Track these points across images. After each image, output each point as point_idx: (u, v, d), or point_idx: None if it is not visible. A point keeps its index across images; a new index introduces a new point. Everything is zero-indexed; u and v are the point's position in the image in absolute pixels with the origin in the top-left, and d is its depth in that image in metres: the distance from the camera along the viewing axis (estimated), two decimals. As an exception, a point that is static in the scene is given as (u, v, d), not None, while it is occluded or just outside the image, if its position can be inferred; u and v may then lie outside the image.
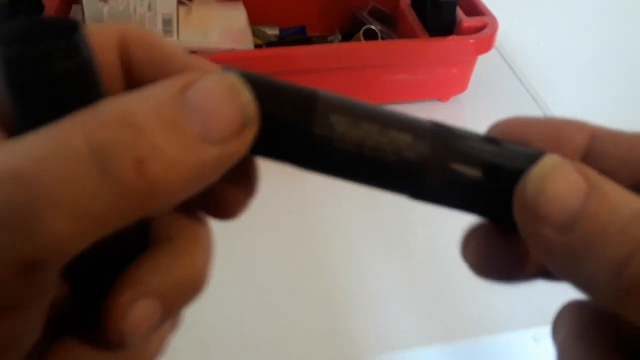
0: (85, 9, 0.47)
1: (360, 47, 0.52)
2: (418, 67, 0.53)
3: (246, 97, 0.12)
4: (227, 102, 0.12)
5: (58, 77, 0.11)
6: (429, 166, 0.14)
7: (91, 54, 0.12)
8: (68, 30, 0.11)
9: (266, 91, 0.13)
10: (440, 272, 0.41)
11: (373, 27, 0.56)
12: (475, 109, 0.56)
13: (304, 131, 0.13)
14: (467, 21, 0.53)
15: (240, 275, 0.39)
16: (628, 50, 0.73)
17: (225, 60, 0.48)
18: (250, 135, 0.12)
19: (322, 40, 0.60)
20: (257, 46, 0.56)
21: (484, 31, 0.52)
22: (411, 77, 0.54)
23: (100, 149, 0.10)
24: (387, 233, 0.43)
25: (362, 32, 0.56)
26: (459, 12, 0.54)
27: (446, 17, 0.52)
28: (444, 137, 0.14)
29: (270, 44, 0.58)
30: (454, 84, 0.56)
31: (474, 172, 0.14)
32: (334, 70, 0.51)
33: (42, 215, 0.10)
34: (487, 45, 0.52)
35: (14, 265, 0.10)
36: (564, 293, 0.43)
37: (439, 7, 0.52)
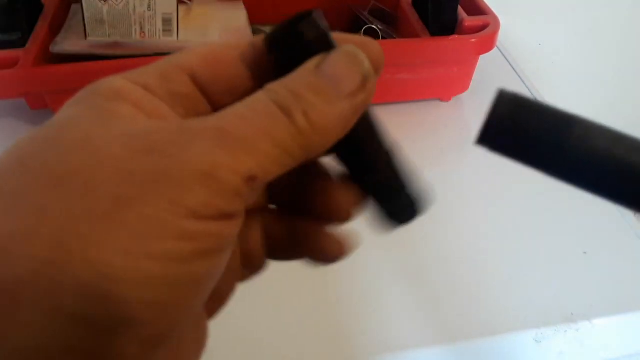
0: (85, 7, 0.47)
1: (361, 47, 0.52)
2: (419, 66, 0.53)
3: (362, 58, 0.16)
4: (348, 66, 0.16)
5: (309, 42, 0.16)
6: None
7: (326, 25, 0.17)
8: (308, 15, 0.16)
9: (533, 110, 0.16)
10: (441, 273, 0.41)
11: (373, 26, 0.56)
12: (476, 108, 0.56)
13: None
14: (468, 20, 0.53)
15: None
16: (630, 49, 0.73)
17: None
18: (371, 86, 0.17)
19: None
20: (257, 45, 0.55)
21: (486, 30, 0.52)
22: (412, 77, 0.54)
23: (282, 105, 0.15)
24: (388, 234, 0.43)
25: (362, 31, 0.55)
26: (460, 11, 0.54)
27: (447, 16, 0.52)
28: None
29: (271, 44, 0.58)
30: (455, 84, 0.56)
31: None
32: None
33: (260, 140, 0.15)
34: (488, 44, 0.52)
35: (245, 175, 0.14)
36: (565, 295, 0.43)
37: (440, 6, 0.52)
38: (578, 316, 0.38)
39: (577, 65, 0.69)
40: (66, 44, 0.49)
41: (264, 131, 0.15)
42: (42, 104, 0.51)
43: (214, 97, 0.18)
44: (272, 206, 0.21)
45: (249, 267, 0.21)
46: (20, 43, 0.49)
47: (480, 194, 0.47)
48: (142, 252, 0.13)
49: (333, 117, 0.16)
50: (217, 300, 0.20)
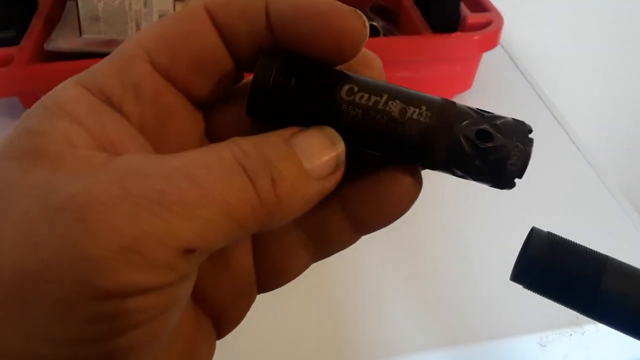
0: (80, 4, 0.47)
1: (361, 44, 0.52)
2: (421, 64, 0.53)
3: (340, 146, 0.15)
4: (325, 149, 0.15)
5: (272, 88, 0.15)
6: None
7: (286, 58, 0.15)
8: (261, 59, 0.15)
9: None
10: (445, 276, 0.40)
11: (375, 24, 0.55)
12: (479, 106, 0.55)
13: None
14: (471, 17, 0.52)
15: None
16: (634, 47, 0.72)
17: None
18: (340, 175, 0.15)
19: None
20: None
21: (489, 27, 0.51)
22: (414, 75, 0.53)
23: (248, 169, 0.13)
24: (392, 236, 0.42)
25: (363, 28, 0.55)
26: (463, 8, 0.53)
27: (450, 13, 0.52)
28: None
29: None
30: (457, 82, 0.55)
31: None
32: (334, 68, 0.50)
33: (205, 209, 0.13)
34: (491, 41, 0.51)
35: (180, 248, 0.12)
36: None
37: (443, 2, 0.51)
38: (583, 320, 0.37)
39: (581, 62, 0.69)
40: (61, 41, 0.49)
41: (216, 196, 0.13)
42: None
43: (183, 81, 0.15)
44: None
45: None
46: (15, 41, 0.48)
47: (483, 195, 0.46)
48: (42, 336, 0.12)
49: (300, 193, 0.14)
50: (223, 324, 0.18)
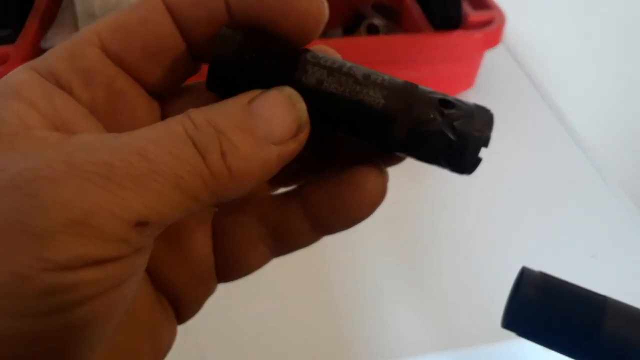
0: (76, 2, 0.46)
1: (362, 42, 0.51)
2: (422, 62, 0.52)
3: (300, 106, 0.15)
4: (285, 110, 0.14)
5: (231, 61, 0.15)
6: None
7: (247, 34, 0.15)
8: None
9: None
10: (447, 279, 0.40)
11: (375, 22, 0.55)
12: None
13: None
14: (473, 15, 0.52)
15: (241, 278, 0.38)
16: (637, 45, 0.71)
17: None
18: (304, 137, 0.15)
19: (323, 34, 0.58)
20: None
21: (491, 25, 0.51)
22: (415, 73, 0.53)
23: (198, 141, 0.13)
24: (392, 238, 0.43)
25: (364, 26, 0.55)
26: (465, 6, 0.53)
27: (451, 10, 0.52)
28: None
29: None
30: (459, 80, 0.55)
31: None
32: (334, 66, 0.50)
33: (155, 182, 0.13)
34: (494, 39, 0.51)
35: (132, 221, 0.12)
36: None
37: (444, 0, 0.51)
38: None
39: (583, 60, 0.68)
40: (57, 39, 0.48)
41: (165, 169, 0.13)
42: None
43: (136, 68, 0.15)
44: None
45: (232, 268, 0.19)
46: (10, 39, 0.48)
47: (485, 196, 0.46)
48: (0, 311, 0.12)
49: (256, 162, 0.14)
50: (184, 311, 0.18)
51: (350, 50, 0.49)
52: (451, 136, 0.15)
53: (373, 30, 0.55)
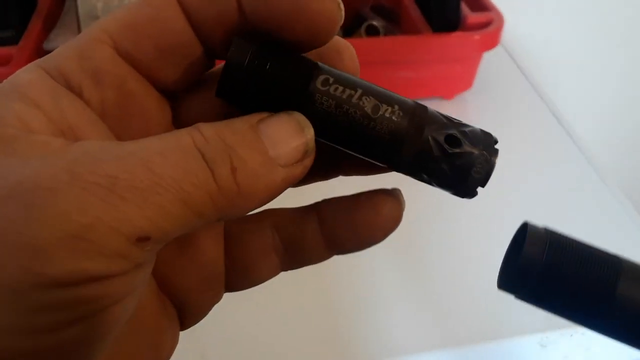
0: (79, 4, 0.46)
1: (361, 44, 0.51)
2: (421, 63, 0.52)
3: (308, 132, 0.15)
4: (293, 135, 0.14)
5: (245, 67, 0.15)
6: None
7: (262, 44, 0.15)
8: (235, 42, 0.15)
9: None
10: (445, 277, 0.40)
11: (375, 23, 0.55)
12: (480, 106, 0.55)
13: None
14: (471, 16, 0.52)
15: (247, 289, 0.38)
16: (635, 46, 0.72)
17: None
18: (309, 162, 0.15)
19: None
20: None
21: (489, 27, 0.51)
22: (414, 75, 0.53)
23: (206, 155, 0.13)
24: (390, 238, 0.42)
25: (363, 28, 0.55)
26: (464, 7, 0.53)
27: (450, 12, 0.52)
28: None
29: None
30: (458, 81, 0.55)
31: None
32: (334, 67, 0.50)
33: (160, 195, 0.12)
34: (492, 41, 0.51)
35: (132, 236, 0.12)
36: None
37: (443, 2, 0.51)
38: (584, 320, 0.37)
39: (582, 62, 0.68)
40: (60, 41, 0.48)
41: (171, 182, 0.12)
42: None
43: (148, 67, 0.15)
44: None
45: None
46: (13, 40, 0.48)
47: (484, 195, 0.46)
48: None
49: (263, 182, 0.14)
50: (188, 317, 0.18)
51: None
52: (450, 174, 0.15)
53: (372, 31, 0.55)
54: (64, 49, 0.14)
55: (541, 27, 0.70)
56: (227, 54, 0.14)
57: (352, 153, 0.16)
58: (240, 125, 0.14)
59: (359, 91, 0.15)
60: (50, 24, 0.51)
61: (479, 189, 0.16)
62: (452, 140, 0.15)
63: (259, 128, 0.14)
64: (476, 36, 0.50)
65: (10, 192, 0.12)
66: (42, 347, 0.12)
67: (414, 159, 0.15)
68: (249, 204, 0.14)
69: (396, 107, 0.15)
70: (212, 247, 0.17)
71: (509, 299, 0.42)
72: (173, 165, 0.12)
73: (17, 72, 0.14)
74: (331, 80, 0.15)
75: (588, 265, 0.15)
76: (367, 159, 0.16)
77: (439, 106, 0.55)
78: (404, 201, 0.17)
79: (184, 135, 0.13)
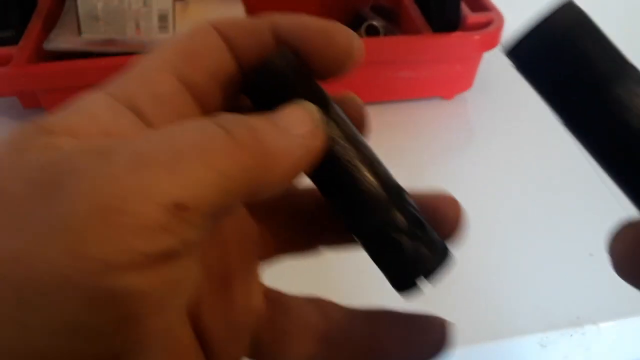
0: (79, 3, 0.46)
1: (361, 44, 0.51)
2: (421, 64, 0.52)
3: (314, 110, 0.16)
4: (301, 112, 0.15)
5: (282, 71, 0.16)
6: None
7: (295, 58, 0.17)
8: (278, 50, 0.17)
9: None
10: (445, 277, 0.40)
11: (375, 23, 0.55)
12: (479, 107, 0.55)
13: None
14: (471, 16, 0.52)
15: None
16: (636, 46, 0.72)
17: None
18: (321, 134, 0.16)
19: (323, 36, 0.59)
20: (256, 42, 0.55)
21: (489, 27, 0.51)
22: (414, 75, 0.53)
23: (223, 124, 0.13)
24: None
25: (363, 28, 0.55)
26: (464, 7, 0.53)
27: (450, 12, 0.52)
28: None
29: (270, 41, 0.57)
30: (458, 82, 0.55)
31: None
32: (334, 67, 0.50)
33: (185, 161, 0.12)
34: (492, 41, 0.51)
35: (168, 204, 0.12)
36: (571, 298, 0.42)
37: (443, 2, 0.51)
38: (584, 320, 0.37)
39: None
40: (60, 41, 0.48)
41: (195, 149, 0.12)
42: (35, 102, 0.50)
43: (200, 89, 0.16)
44: None
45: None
46: (14, 40, 0.48)
47: (483, 195, 0.46)
48: (40, 325, 0.11)
49: (283, 145, 0.14)
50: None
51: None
52: (407, 247, 0.16)
53: (372, 31, 0.55)
54: (127, 75, 0.15)
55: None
56: (268, 56, 0.16)
57: (327, 192, 0.17)
58: (254, 115, 0.15)
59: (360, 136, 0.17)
60: (50, 24, 0.51)
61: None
62: (419, 226, 0.16)
63: (272, 112, 0.15)
64: (476, 36, 0.50)
65: (42, 179, 0.12)
66: (97, 353, 0.11)
67: (382, 221, 0.16)
68: (275, 166, 0.14)
69: (382, 168, 0.17)
70: (246, 293, 0.18)
71: (509, 298, 0.42)
72: (194, 135, 0.13)
73: (84, 94, 0.15)
74: (338, 128, 0.16)
75: (604, 52, 0.14)
76: (335, 204, 0.17)
77: (438, 106, 0.56)
78: (451, 331, 0.19)
79: (201, 118, 0.14)
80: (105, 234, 0.11)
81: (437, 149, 0.51)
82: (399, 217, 0.16)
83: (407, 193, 0.17)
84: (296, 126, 0.15)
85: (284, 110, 0.15)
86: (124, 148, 0.12)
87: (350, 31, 0.16)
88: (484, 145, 0.51)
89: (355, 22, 0.59)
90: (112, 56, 0.47)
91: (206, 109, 0.16)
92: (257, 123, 0.14)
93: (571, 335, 0.37)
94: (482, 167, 0.49)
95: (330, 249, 0.20)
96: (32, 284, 0.11)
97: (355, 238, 0.17)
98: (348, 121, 0.17)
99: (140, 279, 0.11)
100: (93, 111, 0.14)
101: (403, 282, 0.17)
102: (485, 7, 0.54)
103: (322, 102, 0.16)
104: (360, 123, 0.18)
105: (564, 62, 0.14)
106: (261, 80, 0.16)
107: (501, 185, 0.47)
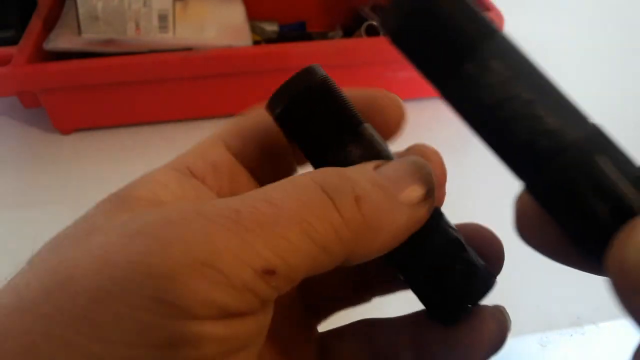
0: (79, 3, 0.46)
1: (361, 44, 0.51)
2: (421, 63, 0.52)
3: (427, 170, 0.15)
4: (411, 174, 0.14)
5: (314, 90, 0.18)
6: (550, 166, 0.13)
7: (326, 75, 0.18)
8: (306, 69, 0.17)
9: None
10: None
11: (375, 23, 0.55)
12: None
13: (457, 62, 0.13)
14: (471, 16, 0.52)
15: None
16: (636, 46, 0.72)
17: (222, 57, 0.47)
18: (432, 203, 0.15)
19: (322, 36, 0.59)
20: (255, 42, 0.55)
21: (489, 27, 0.51)
22: (414, 75, 0.52)
23: (326, 187, 0.13)
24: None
25: (363, 28, 0.55)
26: (463, 7, 0.53)
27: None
28: (591, 149, 0.13)
29: (269, 41, 0.57)
30: (457, 81, 0.55)
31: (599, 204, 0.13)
32: (334, 68, 0.49)
33: (283, 227, 0.12)
34: (492, 41, 0.51)
35: (259, 268, 0.12)
36: (571, 298, 0.42)
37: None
38: (584, 319, 0.37)
39: (582, 62, 0.68)
40: (60, 41, 0.48)
41: (293, 214, 0.12)
42: (35, 102, 0.50)
43: (252, 161, 0.17)
44: None
45: None
46: (14, 40, 0.48)
47: (481, 195, 0.46)
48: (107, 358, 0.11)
49: (388, 216, 0.13)
50: None
51: (351, 52, 0.50)
52: (456, 272, 0.16)
53: (372, 31, 0.55)
54: (188, 152, 0.17)
55: (541, 28, 0.70)
56: (300, 86, 0.16)
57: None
58: (358, 168, 0.14)
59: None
60: (50, 24, 0.51)
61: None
62: (461, 247, 0.17)
63: (379, 171, 0.14)
64: (476, 36, 0.50)
65: (139, 231, 0.12)
66: None
67: (434, 248, 0.16)
68: (375, 240, 0.13)
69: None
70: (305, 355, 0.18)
71: (508, 298, 0.42)
72: (294, 198, 0.13)
73: (151, 170, 0.16)
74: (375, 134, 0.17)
75: (465, 18, 0.13)
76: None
77: (438, 106, 0.55)
78: (509, 319, 0.18)
79: (302, 176, 0.14)
80: (190, 285, 0.11)
81: (436, 149, 0.51)
82: (449, 241, 0.16)
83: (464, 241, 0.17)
84: (406, 191, 0.14)
85: (394, 164, 0.15)
86: (223, 204, 0.13)
87: (398, 99, 0.17)
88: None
89: (355, 22, 0.59)
90: (112, 56, 0.46)
91: (257, 176, 0.18)
92: (363, 188, 0.13)
93: (571, 335, 0.37)
94: (482, 167, 0.49)
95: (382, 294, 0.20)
96: (113, 324, 0.11)
97: (408, 284, 0.17)
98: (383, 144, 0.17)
99: (215, 328, 0.11)
100: (163, 182, 0.15)
101: (453, 316, 0.17)
102: (485, 7, 0.53)
103: (360, 120, 0.17)
104: (397, 124, 0.18)
105: (424, 42, 0.14)
106: (285, 110, 0.16)
107: (501, 185, 0.47)
